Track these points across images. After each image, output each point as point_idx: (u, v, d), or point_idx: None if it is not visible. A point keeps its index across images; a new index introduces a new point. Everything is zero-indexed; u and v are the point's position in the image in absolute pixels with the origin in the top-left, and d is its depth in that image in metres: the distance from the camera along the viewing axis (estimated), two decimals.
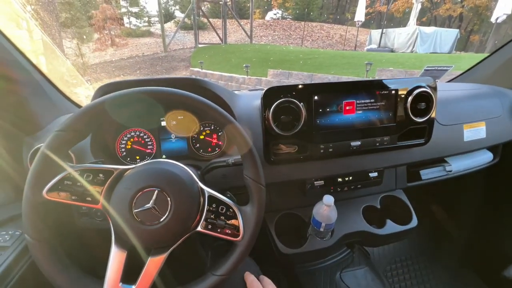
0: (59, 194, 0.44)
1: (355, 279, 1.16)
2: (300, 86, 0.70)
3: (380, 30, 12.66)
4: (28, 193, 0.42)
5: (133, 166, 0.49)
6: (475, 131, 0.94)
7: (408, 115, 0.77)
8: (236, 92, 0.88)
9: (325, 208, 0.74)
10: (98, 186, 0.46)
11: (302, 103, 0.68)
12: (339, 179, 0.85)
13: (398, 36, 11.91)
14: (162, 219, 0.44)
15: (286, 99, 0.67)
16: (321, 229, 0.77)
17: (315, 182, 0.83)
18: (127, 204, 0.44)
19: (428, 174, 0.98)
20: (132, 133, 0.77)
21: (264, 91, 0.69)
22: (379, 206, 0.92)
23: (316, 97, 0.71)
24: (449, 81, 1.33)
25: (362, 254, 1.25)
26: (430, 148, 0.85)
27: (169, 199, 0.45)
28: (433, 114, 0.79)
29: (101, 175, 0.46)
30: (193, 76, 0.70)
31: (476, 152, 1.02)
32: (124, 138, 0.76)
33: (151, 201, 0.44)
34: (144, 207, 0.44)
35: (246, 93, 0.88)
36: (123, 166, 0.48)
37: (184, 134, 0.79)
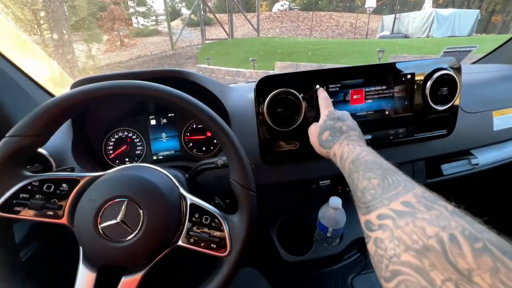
0: (15, 209, 0.38)
1: (369, 283, 1.07)
2: (298, 74, 0.61)
3: (393, 15, 12.09)
4: None
5: (103, 173, 0.43)
6: (506, 119, 0.83)
7: (427, 103, 0.66)
8: (231, 85, 0.80)
9: (332, 211, 0.66)
10: (61, 198, 0.40)
11: (301, 94, 0.60)
12: None
13: (413, 21, 11.35)
14: (133, 235, 0.38)
15: (282, 89, 0.59)
16: (328, 234, 0.69)
17: (320, 182, 0.75)
18: (92, 218, 0.37)
19: (450, 168, 0.86)
20: (120, 134, 0.72)
21: (257, 81, 0.60)
22: None
23: (317, 86, 0.62)
24: (473, 63, 1.19)
25: None
26: (453, 139, 0.75)
27: (141, 211, 0.39)
28: (457, 101, 0.68)
29: (64, 185, 0.40)
30: (178, 68, 0.63)
31: (507, 143, 0.90)
32: (111, 139, 0.71)
33: (120, 214, 0.38)
34: (111, 221, 0.37)
35: (241, 85, 0.80)
36: (91, 174, 0.42)
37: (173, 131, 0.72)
